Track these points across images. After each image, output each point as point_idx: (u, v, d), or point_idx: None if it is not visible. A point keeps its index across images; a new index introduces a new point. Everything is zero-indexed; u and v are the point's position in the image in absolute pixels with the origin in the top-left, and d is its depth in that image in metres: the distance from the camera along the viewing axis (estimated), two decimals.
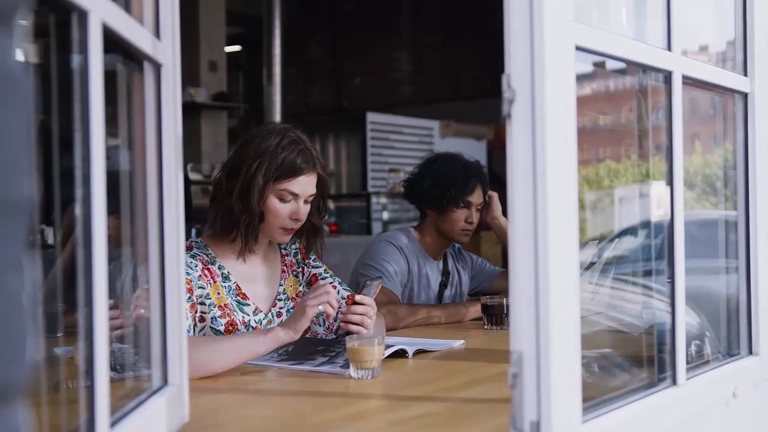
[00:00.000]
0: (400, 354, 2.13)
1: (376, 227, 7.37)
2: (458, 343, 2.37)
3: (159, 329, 1.37)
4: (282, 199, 2.21)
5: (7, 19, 0.52)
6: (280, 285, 2.36)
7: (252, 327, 2.23)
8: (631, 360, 1.71)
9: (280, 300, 2.35)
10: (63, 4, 0.96)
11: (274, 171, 2.18)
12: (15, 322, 0.51)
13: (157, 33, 1.35)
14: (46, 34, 1.02)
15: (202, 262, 2.20)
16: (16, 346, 0.52)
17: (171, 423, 1.34)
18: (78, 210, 1.00)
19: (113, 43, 1.11)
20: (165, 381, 1.37)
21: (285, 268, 2.39)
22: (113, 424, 1.08)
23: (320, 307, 1.99)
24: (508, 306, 2.69)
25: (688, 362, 1.57)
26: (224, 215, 2.22)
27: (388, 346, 2.04)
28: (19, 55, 0.55)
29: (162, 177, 1.36)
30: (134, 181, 1.35)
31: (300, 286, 2.41)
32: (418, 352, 2.20)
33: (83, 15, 0.99)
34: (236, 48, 10.09)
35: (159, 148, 1.36)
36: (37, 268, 0.54)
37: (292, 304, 2.35)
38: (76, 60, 1.01)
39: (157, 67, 1.35)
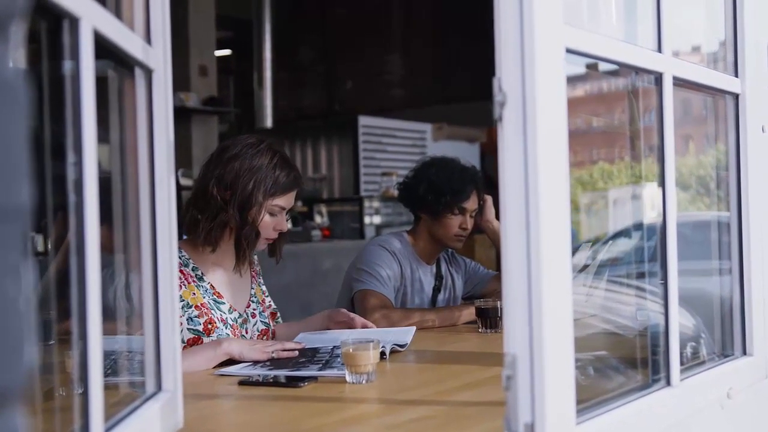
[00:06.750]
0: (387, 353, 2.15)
1: (369, 231, 7.36)
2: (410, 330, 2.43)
3: (152, 335, 1.36)
4: (271, 214, 2.34)
5: (3, 26, 0.52)
6: (252, 288, 2.49)
7: (230, 325, 2.33)
8: (626, 361, 1.71)
9: (253, 302, 2.46)
10: (54, 11, 0.95)
11: (271, 188, 2.30)
12: (13, 328, 0.51)
13: (148, 39, 1.35)
14: (36, 40, 1.02)
15: None
16: (15, 352, 0.52)
17: (165, 429, 1.34)
18: (70, 217, 1.00)
19: (103, 48, 1.11)
20: (159, 387, 1.37)
21: (254, 274, 2.53)
22: (107, 430, 1.08)
23: (274, 354, 2.14)
24: (502, 309, 2.70)
25: (683, 364, 1.57)
26: (218, 227, 2.29)
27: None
28: (15, 62, 0.55)
29: (154, 183, 1.36)
30: (126, 187, 1.35)
31: (263, 294, 2.55)
32: (394, 352, 2.23)
33: (74, 21, 0.99)
34: (226, 52, 10.07)
35: (151, 154, 1.35)
36: (33, 274, 0.55)
37: (261, 308, 2.49)
38: (67, 66, 1.00)
39: (148, 72, 1.34)
